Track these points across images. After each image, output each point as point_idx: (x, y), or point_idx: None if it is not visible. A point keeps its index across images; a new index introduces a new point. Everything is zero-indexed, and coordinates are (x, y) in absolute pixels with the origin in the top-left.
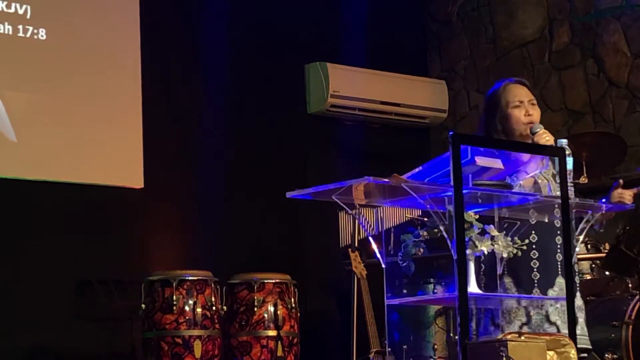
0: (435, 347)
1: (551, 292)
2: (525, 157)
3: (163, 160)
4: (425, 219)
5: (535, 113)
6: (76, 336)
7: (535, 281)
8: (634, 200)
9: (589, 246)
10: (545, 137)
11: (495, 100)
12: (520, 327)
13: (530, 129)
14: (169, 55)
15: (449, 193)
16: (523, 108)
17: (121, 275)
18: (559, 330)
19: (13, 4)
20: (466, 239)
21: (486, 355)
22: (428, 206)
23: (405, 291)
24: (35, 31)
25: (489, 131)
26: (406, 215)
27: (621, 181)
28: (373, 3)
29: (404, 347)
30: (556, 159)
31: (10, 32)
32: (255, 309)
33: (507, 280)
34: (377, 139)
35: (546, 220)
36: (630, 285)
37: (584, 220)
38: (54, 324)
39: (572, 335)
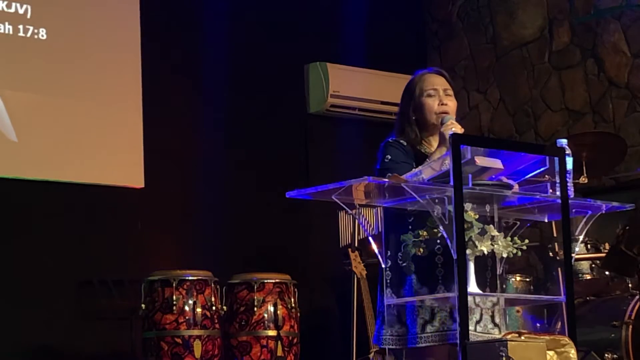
0: None
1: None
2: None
3: (163, 160)
4: None
5: (451, 104)
6: (76, 336)
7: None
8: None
9: (589, 246)
10: (452, 129)
11: (410, 89)
12: (424, 325)
13: (441, 119)
14: (169, 55)
15: (449, 193)
16: (437, 97)
17: (121, 275)
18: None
19: (13, 4)
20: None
21: (486, 355)
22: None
23: None
24: (36, 31)
25: (402, 122)
26: None
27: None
28: (373, 3)
29: None
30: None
31: (11, 32)
32: (255, 309)
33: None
34: (377, 139)
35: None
36: (630, 285)
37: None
38: (54, 324)
39: (572, 335)
